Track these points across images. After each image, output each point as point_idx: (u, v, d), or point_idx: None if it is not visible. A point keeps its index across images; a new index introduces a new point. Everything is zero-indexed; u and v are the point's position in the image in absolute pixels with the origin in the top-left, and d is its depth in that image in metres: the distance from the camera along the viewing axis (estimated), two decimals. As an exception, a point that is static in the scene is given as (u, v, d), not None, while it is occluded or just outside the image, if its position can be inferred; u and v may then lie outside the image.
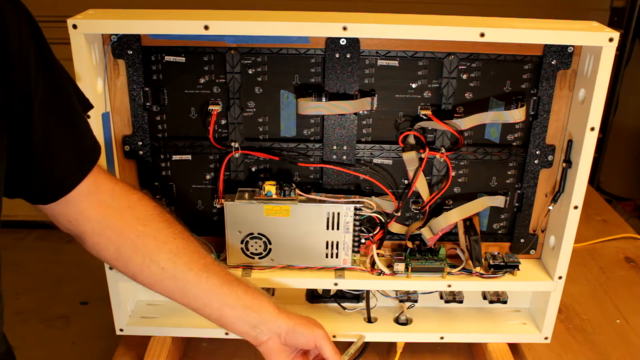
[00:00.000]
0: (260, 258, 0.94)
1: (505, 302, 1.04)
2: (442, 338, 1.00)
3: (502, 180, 0.96)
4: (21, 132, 0.59)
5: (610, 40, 0.79)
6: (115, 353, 1.01)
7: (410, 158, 0.92)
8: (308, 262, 0.94)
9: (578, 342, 1.07)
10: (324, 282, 0.95)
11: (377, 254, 0.95)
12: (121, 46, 0.86)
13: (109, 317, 0.97)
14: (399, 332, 1.00)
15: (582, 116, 0.86)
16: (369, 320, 1.01)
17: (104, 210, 0.72)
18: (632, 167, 2.85)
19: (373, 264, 0.95)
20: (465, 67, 0.89)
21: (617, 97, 2.67)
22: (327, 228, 0.91)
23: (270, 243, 0.92)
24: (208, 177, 0.95)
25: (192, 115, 0.91)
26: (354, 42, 0.86)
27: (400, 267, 0.94)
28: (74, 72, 0.80)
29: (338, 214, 0.90)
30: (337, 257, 0.94)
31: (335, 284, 0.94)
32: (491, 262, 0.95)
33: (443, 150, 0.92)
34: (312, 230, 0.91)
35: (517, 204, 0.98)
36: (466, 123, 0.90)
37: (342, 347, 0.87)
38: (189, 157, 0.94)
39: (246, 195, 0.91)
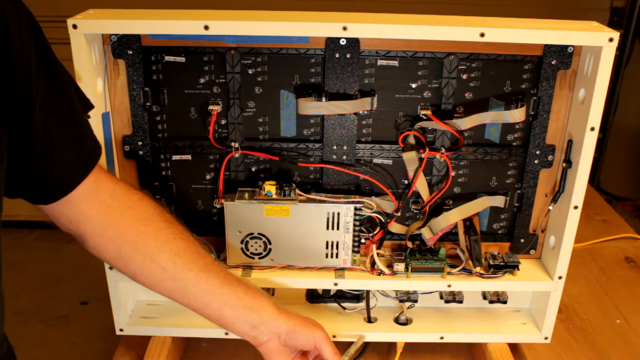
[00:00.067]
0: (260, 258, 0.94)
1: (505, 302, 1.04)
2: (442, 338, 1.00)
3: (502, 180, 0.96)
4: (22, 132, 0.59)
5: (610, 40, 0.79)
6: (115, 353, 1.01)
7: (410, 158, 0.92)
8: (308, 262, 0.94)
9: (578, 342, 1.07)
10: (324, 282, 0.95)
11: (377, 254, 0.95)
12: (121, 46, 0.86)
13: (109, 317, 0.97)
14: (399, 332, 1.00)
15: (582, 116, 0.86)
16: (369, 320, 1.01)
17: (104, 210, 0.72)
18: (632, 167, 2.85)
19: (373, 264, 0.95)
20: (465, 67, 0.89)
21: (617, 97, 2.67)
22: (327, 228, 0.91)
23: (270, 243, 0.92)
24: (208, 177, 0.95)
25: (192, 115, 0.91)
26: (354, 42, 0.86)
27: (400, 267, 0.94)
28: (74, 72, 0.80)
29: (338, 214, 0.90)
30: (337, 257, 0.94)
31: (335, 284, 0.95)
32: (491, 262, 0.95)
33: (443, 150, 0.92)
34: (312, 230, 0.91)
35: (517, 204, 0.98)
36: (466, 123, 0.90)
37: (342, 347, 0.87)
38: (189, 157, 0.94)
39: (246, 195, 0.91)
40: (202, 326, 0.97)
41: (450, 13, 0.90)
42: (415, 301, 1.03)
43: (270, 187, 0.89)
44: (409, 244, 0.97)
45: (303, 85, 0.90)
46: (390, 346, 1.03)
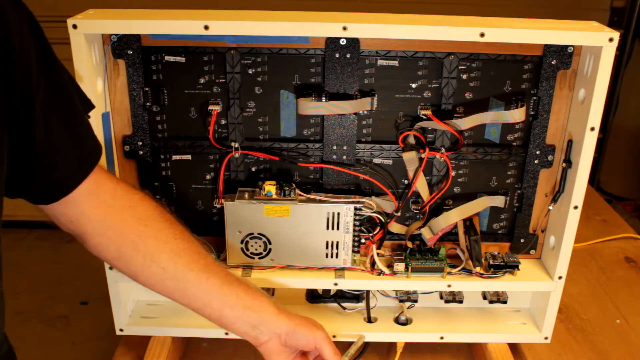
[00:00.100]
0: (260, 258, 0.94)
1: (505, 302, 1.04)
2: (442, 338, 1.00)
3: (502, 180, 0.96)
4: (23, 132, 0.59)
5: (610, 40, 0.79)
6: (115, 353, 1.01)
7: (410, 158, 0.92)
8: (308, 262, 0.94)
9: (578, 342, 1.07)
10: (324, 282, 0.95)
11: (377, 254, 0.95)
12: (121, 46, 0.86)
13: (109, 317, 0.97)
14: (399, 332, 1.00)
15: (582, 116, 0.86)
16: (369, 320, 1.01)
17: (105, 210, 0.72)
18: (632, 167, 2.85)
19: (373, 264, 0.95)
20: (465, 67, 0.89)
21: (617, 97, 2.67)
22: (327, 228, 0.91)
23: (270, 243, 0.92)
24: (208, 177, 0.95)
25: (192, 115, 0.91)
26: (354, 42, 0.86)
27: (400, 267, 0.94)
28: (74, 72, 0.80)
29: (338, 214, 0.90)
30: (337, 257, 0.94)
31: (335, 284, 0.95)
32: (491, 262, 0.95)
33: (443, 150, 0.92)
34: (312, 230, 0.91)
35: (517, 204, 0.98)
36: (466, 123, 0.90)
37: (342, 347, 0.87)
38: (189, 157, 0.94)
39: (246, 195, 0.91)
40: (202, 326, 0.97)
41: (450, 13, 0.90)
42: (415, 301, 1.03)
43: (270, 187, 0.89)
44: (409, 244, 0.97)
45: (303, 85, 0.90)
46: (390, 346, 1.03)
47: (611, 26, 0.86)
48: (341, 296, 1.03)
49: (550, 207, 0.95)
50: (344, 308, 1.03)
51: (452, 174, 0.94)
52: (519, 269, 0.95)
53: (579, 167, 0.87)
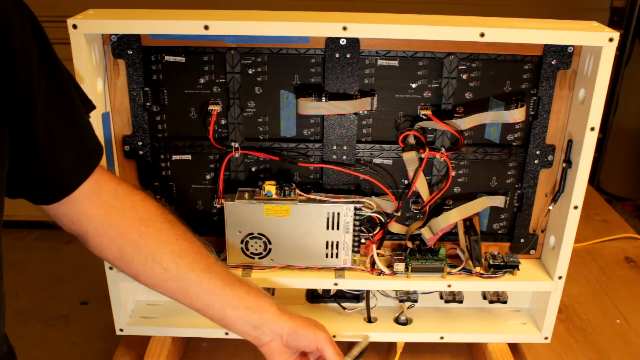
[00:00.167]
0: (260, 258, 0.94)
1: (505, 302, 1.04)
2: (442, 338, 1.00)
3: (502, 180, 0.96)
4: (24, 132, 0.59)
5: (610, 40, 0.79)
6: (115, 353, 1.01)
7: (410, 158, 0.92)
8: (308, 262, 0.94)
9: (578, 342, 1.07)
10: (324, 282, 0.95)
11: (377, 254, 0.95)
12: (121, 46, 0.86)
13: (109, 317, 0.97)
14: (399, 332, 1.00)
15: (582, 116, 0.86)
16: (369, 320, 1.01)
17: (106, 210, 0.72)
18: (632, 167, 2.85)
19: (373, 264, 0.95)
20: (465, 67, 0.89)
21: (617, 97, 2.67)
22: (327, 228, 0.91)
23: (270, 243, 0.92)
24: (208, 177, 0.95)
25: (192, 115, 0.91)
26: (354, 42, 0.86)
27: (400, 267, 0.94)
28: (74, 72, 0.80)
29: (338, 214, 0.90)
30: (337, 257, 0.94)
31: (335, 284, 0.94)
32: (491, 262, 0.95)
33: (443, 150, 0.92)
34: (312, 230, 0.91)
35: (517, 204, 0.98)
36: (466, 123, 0.90)
37: (341, 347, 0.87)
38: (189, 157, 0.94)
39: (246, 195, 0.91)
40: (202, 326, 0.97)
41: (450, 13, 0.90)
42: (415, 301, 1.03)
43: (270, 187, 0.89)
44: (409, 244, 0.97)
45: (303, 85, 0.90)
46: (390, 346, 1.03)
47: (611, 26, 0.86)
48: (341, 296, 1.03)
49: (550, 207, 0.95)
50: (344, 308, 1.03)
51: (452, 174, 0.94)
52: (519, 269, 0.95)
53: (579, 167, 0.87)
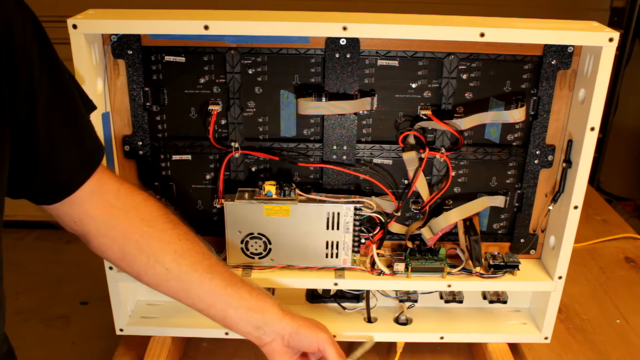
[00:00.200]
0: (260, 258, 0.94)
1: (505, 302, 1.04)
2: (442, 338, 1.00)
3: (502, 180, 0.96)
4: (25, 132, 0.60)
5: (610, 40, 0.79)
6: (115, 353, 1.01)
7: (410, 158, 0.92)
8: (308, 262, 0.94)
9: (578, 342, 1.07)
10: (324, 282, 0.95)
11: (377, 254, 0.95)
12: (121, 46, 0.86)
13: (109, 317, 0.97)
14: (399, 332, 1.00)
15: (582, 116, 0.86)
16: (369, 320, 1.01)
17: (108, 210, 0.72)
18: (632, 167, 2.85)
19: (373, 264, 0.95)
20: (465, 67, 0.89)
21: (617, 97, 2.67)
22: (327, 228, 0.91)
23: (270, 243, 0.92)
24: (208, 177, 0.95)
25: (192, 115, 0.91)
26: (354, 42, 0.86)
27: (400, 267, 0.94)
28: (74, 72, 0.80)
29: (338, 214, 0.90)
30: (337, 257, 0.94)
31: (335, 284, 0.94)
32: (491, 262, 0.95)
33: (443, 150, 0.92)
34: (312, 230, 0.91)
35: (517, 204, 0.98)
36: (466, 123, 0.90)
37: (342, 347, 0.87)
38: (189, 157, 0.94)
39: (246, 195, 0.91)
40: (202, 326, 0.97)
41: (450, 13, 0.90)
42: (415, 301, 1.03)
43: (270, 187, 0.89)
44: (409, 244, 0.97)
45: (303, 85, 0.90)
46: (390, 346, 1.03)
47: (611, 26, 0.86)
48: (341, 296, 1.03)
49: (550, 207, 0.95)
50: (344, 308, 1.03)
51: (452, 174, 0.94)
52: (519, 269, 0.95)
53: (579, 167, 0.87)
